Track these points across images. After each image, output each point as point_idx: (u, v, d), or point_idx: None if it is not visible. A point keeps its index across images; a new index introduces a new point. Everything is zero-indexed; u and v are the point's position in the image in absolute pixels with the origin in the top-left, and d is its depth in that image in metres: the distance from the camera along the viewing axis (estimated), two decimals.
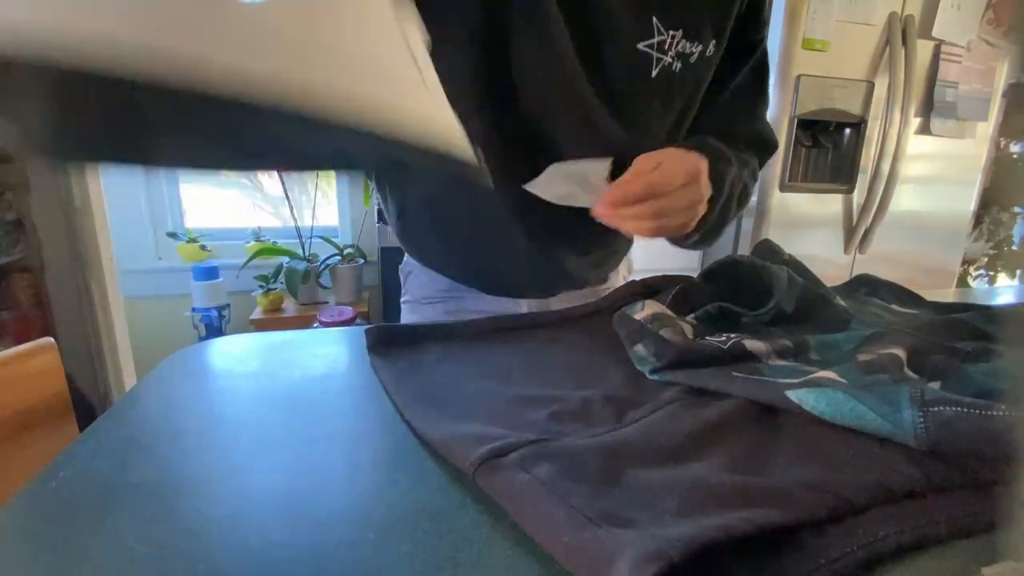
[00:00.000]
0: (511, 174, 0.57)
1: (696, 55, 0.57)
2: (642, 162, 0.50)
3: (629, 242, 0.76)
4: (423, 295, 0.72)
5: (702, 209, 0.52)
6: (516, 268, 0.67)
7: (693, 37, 0.56)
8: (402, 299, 0.75)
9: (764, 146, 0.68)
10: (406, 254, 0.74)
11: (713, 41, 0.57)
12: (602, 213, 0.50)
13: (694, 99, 0.60)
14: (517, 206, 0.58)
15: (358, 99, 0.24)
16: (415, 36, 0.29)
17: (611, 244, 0.71)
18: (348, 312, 1.94)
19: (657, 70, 0.55)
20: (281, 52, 0.22)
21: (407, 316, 0.74)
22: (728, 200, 0.58)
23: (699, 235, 0.58)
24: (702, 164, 0.51)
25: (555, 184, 0.52)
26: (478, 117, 0.54)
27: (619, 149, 0.57)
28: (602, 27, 0.52)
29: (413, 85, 0.28)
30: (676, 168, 0.49)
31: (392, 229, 0.71)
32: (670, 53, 0.55)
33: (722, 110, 0.63)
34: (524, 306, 0.69)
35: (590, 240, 0.66)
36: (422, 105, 0.28)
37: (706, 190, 0.52)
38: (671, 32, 0.54)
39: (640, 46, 0.54)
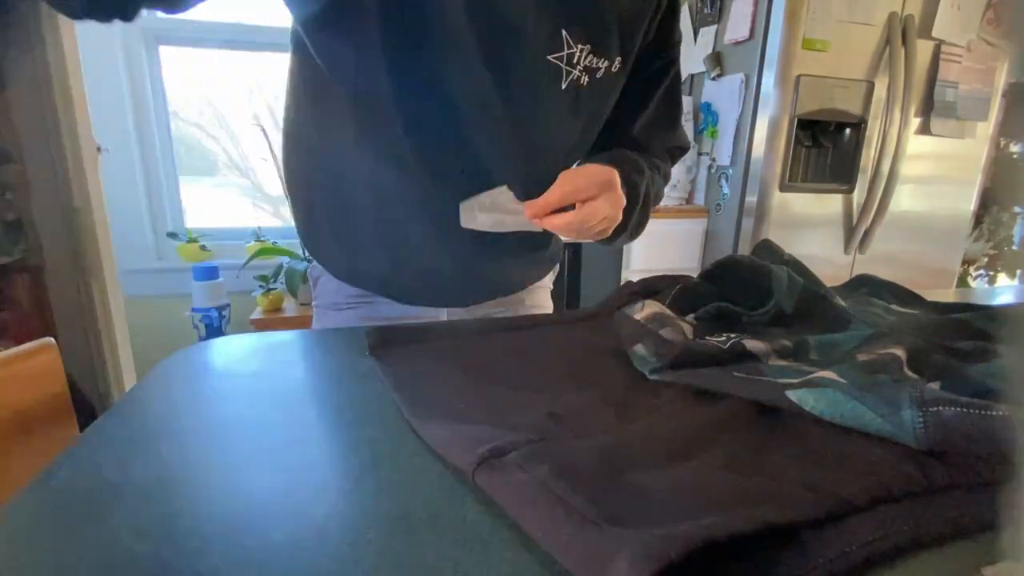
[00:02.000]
0: (436, 183, 0.58)
1: (602, 70, 0.59)
2: (563, 176, 0.53)
3: (557, 245, 0.77)
4: (333, 301, 0.70)
5: (619, 216, 0.56)
6: (430, 280, 0.66)
7: (601, 53, 0.57)
8: (313, 303, 0.74)
9: (679, 151, 0.73)
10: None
11: (619, 58, 0.59)
12: (531, 219, 0.53)
13: (600, 113, 0.63)
14: (438, 218, 0.60)
15: None
16: None
17: (537, 250, 0.72)
18: None
19: (566, 83, 0.57)
20: None
21: (318, 322, 0.72)
22: (644, 205, 0.62)
23: (620, 237, 0.62)
24: (615, 176, 0.54)
25: (478, 217, 0.54)
26: (400, 124, 0.56)
27: (528, 158, 0.59)
28: (511, 39, 0.53)
29: None
30: (591, 181, 0.53)
31: (299, 236, 0.71)
32: (578, 67, 0.57)
33: (642, 130, 0.67)
34: (444, 314, 0.69)
35: (512, 250, 0.68)
36: None
37: (621, 200, 0.55)
38: (580, 46, 0.56)
39: (550, 58, 0.55)
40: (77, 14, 0.47)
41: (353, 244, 0.66)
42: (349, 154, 0.60)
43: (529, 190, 0.60)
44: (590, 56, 0.57)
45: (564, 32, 0.55)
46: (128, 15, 0.50)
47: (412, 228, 0.63)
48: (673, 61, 0.66)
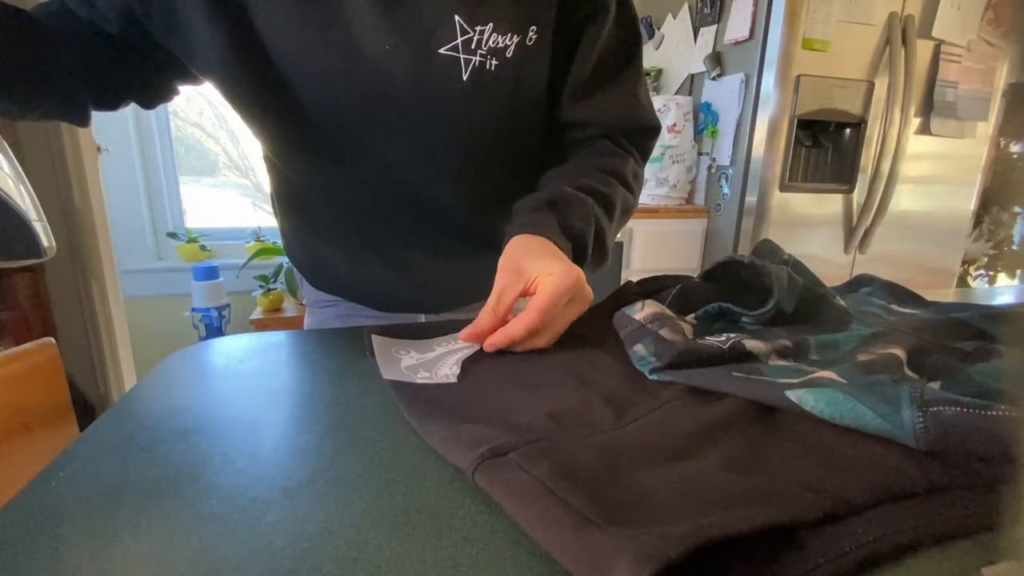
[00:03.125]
0: (384, 225, 0.59)
1: (512, 47, 0.51)
2: (505, 291, 0.45)
3: None
4: (315, 299, 0.73)
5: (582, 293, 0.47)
6: (403, 292, 0.67)
7: (505, 29, 0.50)
8: (302, 301, 0.78)
9: (643, 132, 0.62)
10: None
11: (533, 27, 0.51)
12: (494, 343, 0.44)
13: (527, 91, 0.54)
14: (391, 255, 0.62)
15: None
16: None
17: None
18: None
19: (468, 73, 0.50)
20: None
21: (309, 317, 0.75)
22: (599, 237, 0.54)
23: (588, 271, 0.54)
24: (572, 271, 0.45)
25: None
26: (321, 191, 0.58)
27: (457, 168, 0.56)
28: (399, 36, 0.48)
29: None
30: (555, 296, 0.43)
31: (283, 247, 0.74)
32: (480, 51, 0.50)
33: (583, 96, 0.57)
34: (422, 317, 0.70)
35: (472, 264, 0.63)
36: None
37: (587, 294, 0.47)
38: (478, 28, 0.49)
39: (442, 51, 0.49)
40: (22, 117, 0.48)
41: (316, 257, 0.68)
42: (300, 189, 0.63)
43: (475, 203, 0.58)
44: (493, 36, 0.50)
45: (456, 18, 0.48)
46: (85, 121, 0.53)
47: (366, 256, 0.64)
48: (604, 7, 0.54)
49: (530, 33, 0.51)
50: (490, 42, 0.50)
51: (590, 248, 0.53)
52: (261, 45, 0.48)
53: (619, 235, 0.72)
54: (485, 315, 0.45)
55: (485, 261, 0.56)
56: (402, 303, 0.68)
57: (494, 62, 0.51)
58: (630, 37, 0.58)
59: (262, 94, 0.50)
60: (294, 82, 0.49)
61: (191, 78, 0.56)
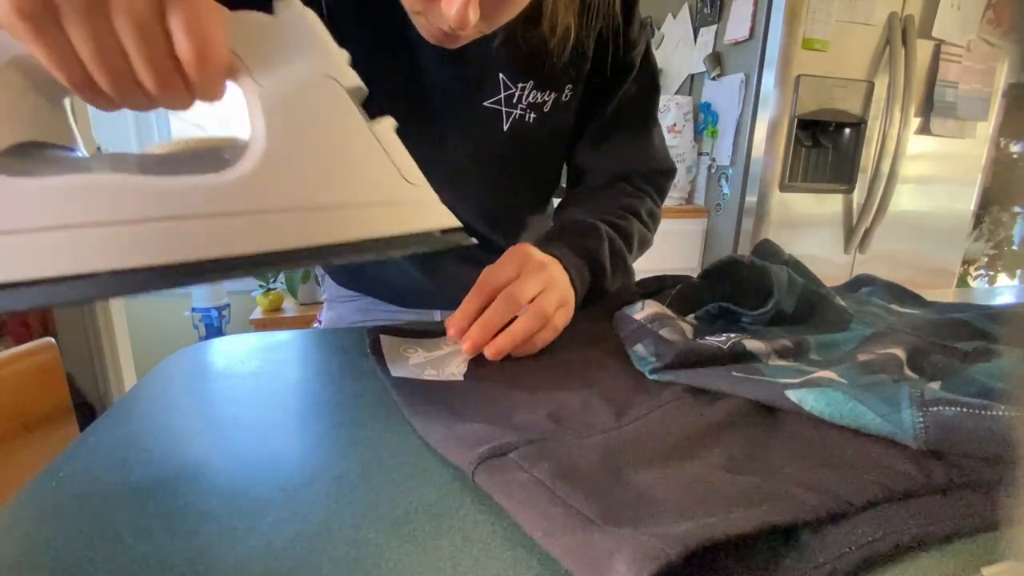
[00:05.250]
0: None
1: (550, 103, 0.57)
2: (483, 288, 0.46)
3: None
4: (337, 294, 0.75)
5: (570, 296, 0.48)
6: (425, 288, 0.68)
7: (544, 87, 0.55)
8: (322, 297, 0.78)
9: (661, 174, 0.67)
10: None
11: (569, 86, 0.57)
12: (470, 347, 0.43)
13: (556, 143, 0.61)
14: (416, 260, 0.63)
15: (356, 225, 0.31)
16: (388, 135, 0.32)
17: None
18: None
19: (508, 124, 0.56)
20: (286, 223, 0.29)
21: (326, 311, 0.77)
22: (615, 261, 0.56)
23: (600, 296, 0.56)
24: (526, 248, 0.48)
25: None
26: None
27: (478, 189, 0.59)
28: (439, 91, 0.53)
29: (396, 184, 0.33)
30: (498, 264, 0.46)
31: None
32: (520, 106, 0.55)
33: (605, 143, 0.62)
34: (438, 315, 0.70)
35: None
36: (408, 199, 0.34)
37: (555, 278, 0.47)
38: (520, 85, 0.54)
39: (486, 104, 0.54)
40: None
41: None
42: None
43: (491, 220, 0.61)
44: (533, 92, 0.55)
45: (501, 76, 0.54)
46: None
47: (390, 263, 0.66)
48: (631, 65, 0.60)
49: (566, 91, 0.57)
50: (530, 97, 0.55)
51: (607, 263, 0.55)
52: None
53: None
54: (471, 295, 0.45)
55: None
56: (422, 299, 0.70)
57: (532, 115, 0.56)
58: (650, 86, 0.63)
59: None
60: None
61: None
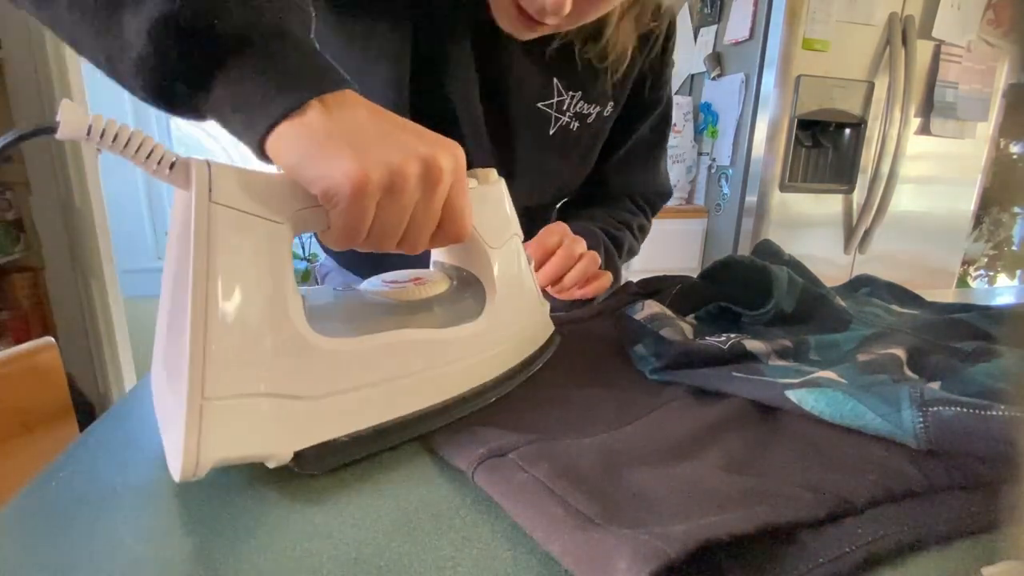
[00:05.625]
0: None
1: (593, 116, 0.61)
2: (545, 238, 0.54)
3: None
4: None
5: (598, 257, 0.57)
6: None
7: (592, 99, 0.60)
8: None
9: (659, 196, 0.75)
10: (323, 254, 0.76)
11: (611, 103, 0.61)
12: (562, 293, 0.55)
13: (590, 153, 0.65)
14: None
15: (533, 343, 0.41)
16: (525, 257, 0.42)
17: None
18: None
19: (555, 128, 0.59)
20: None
21: None
22: (607, 265, 0.63)
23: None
24: (563, 226, 0.57)
25: None
26: None
27: (515, 196, 0.62)
28: (506, 83, 0.55)
29: (541, 308, 0.44)
30: (546, 232, 0.55)
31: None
32: (568, 113, 0.59)
33: (620, 164, 0.68)
34: None
35: None
36: (545, 315, 0.44)
37: (582, 242, 0.56)
38: (571, 93, 0.58)
39: (540, 105, 0.58)
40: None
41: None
42: None
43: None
44: (581, 103, 0.59)
45: (555, 80, 0.57)
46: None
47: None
48: (659, 100, 0.67)
49: (608, 106, 0.61)
50: (577, 107, 0.59)
51: (601, 265, 0.59)
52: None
53: None
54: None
55: None
56: None
57: (576, 124, 0.60)
58: (667, 120, 0.70)
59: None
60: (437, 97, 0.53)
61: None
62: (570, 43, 0.55)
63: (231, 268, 0.25)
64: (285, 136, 0.27)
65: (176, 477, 0.24)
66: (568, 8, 0.42)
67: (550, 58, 0.56)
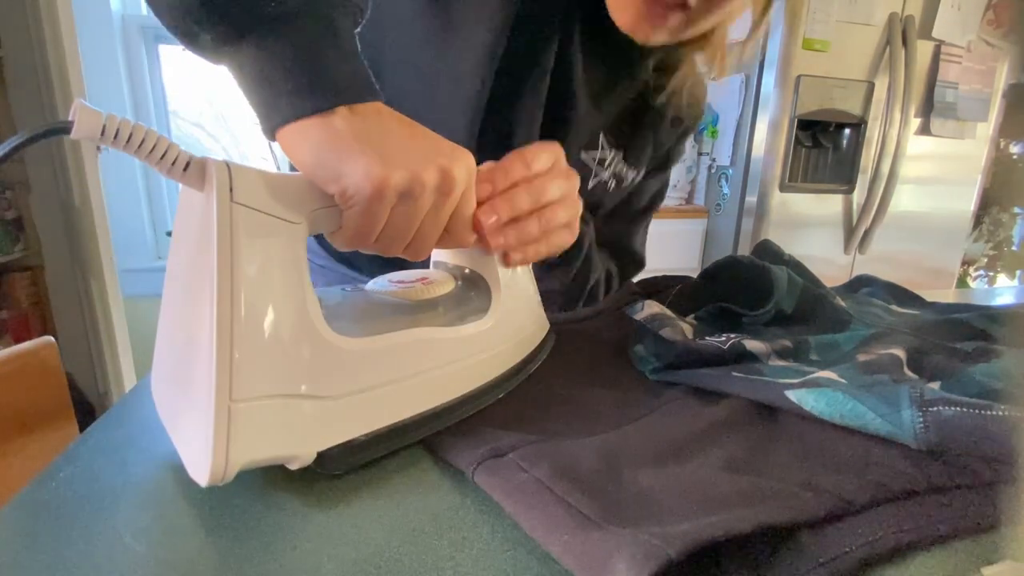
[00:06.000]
0: None
1: (628, 180, 0.59)
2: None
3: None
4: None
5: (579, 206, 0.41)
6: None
7: (633, 163, 0.57)
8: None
9: (633, 263, 0.72)
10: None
11: (643, 170, 0.60)
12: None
13: (613, 214, 0.64)
14: None
15: (532, 343, 0.42)
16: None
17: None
18: None
19: (593, 183, 0.56)
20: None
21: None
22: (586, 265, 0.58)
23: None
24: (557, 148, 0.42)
25: None
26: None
27: None
28: (561, 127, 0.52)
29: (535, 303, 0.44)
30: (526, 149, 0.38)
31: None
32: (608, 171, 0.56)
33: (615, 219, 0.66)
34: None
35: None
36: (543, 318, 0.45)
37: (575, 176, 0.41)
38: (613, 151, 0.56)
39: (583, 155, 0.55)
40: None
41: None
42: None
43: None
44: (621, 163, 0.57)
45: (602, 135, 0.55)
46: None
47: None
48: (664, 167, 0.66)
49: (641, 172, 0.60)
50: (616, 166, 0.57)
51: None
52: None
53: None
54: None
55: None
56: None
57: (613, 183, 0.58)
58: (663, 189, 0.70)
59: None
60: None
61: None
62: (622, 104, 0.54)
63: (253, 269, 0.25)
64: (306, 132, 0.27)
65: (203, 482, 0.24)
66: None
67: (607, 110, 0.53)
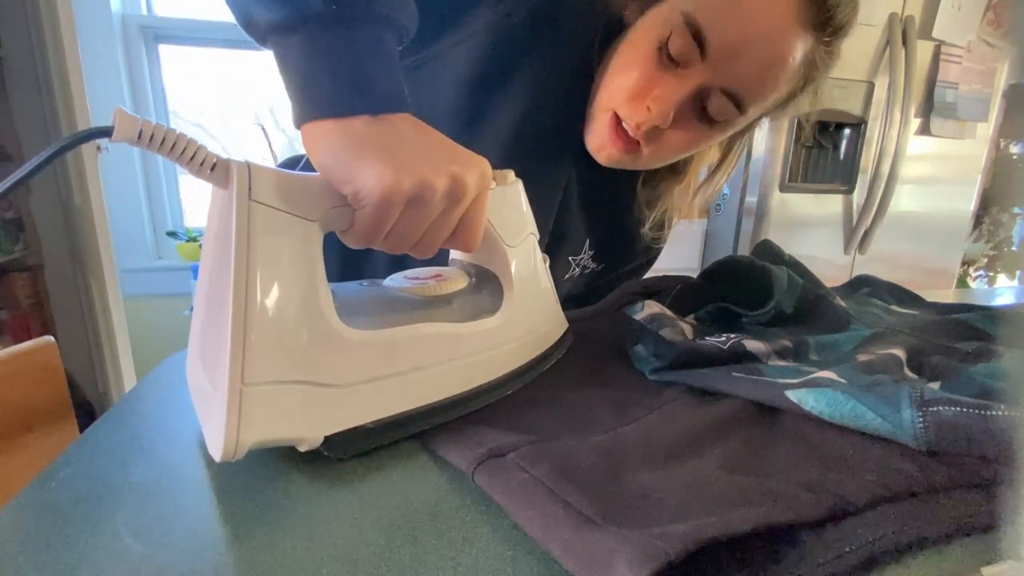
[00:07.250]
0: None
1: (591, 271, 0.64)
2: None
3: None
4: None
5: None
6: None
7: (600, 259, 0.63)
8: None
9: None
10: None
11: (604, 265, 0.65)
12: None
13: (572, 296, 0.67)
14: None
15: (548, 339, 0.43)
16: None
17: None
18: None
19: (568, 275, 0.63)
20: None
21: None
22: None
23: None
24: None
25: None
26: None
27: None
28: (562, 230, 0.57)
29: (557, 307, 0.45)
30: None
31: None
32: (579, 264, 0.63)
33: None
34: None
35: None
36: (560, 313, 0.46)
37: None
38: (589, 250, 0.62)
39: (570, 258, 0.61)
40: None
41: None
42: None
43: None
44: (593, 258, 0.63)
45: (588, 239, 0.61)
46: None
47: None
48: (649, 263, 0.73)
49: (602, 266, 0.65)
50: (588, 260, 0.63)
51: None
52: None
53: None
54: None
55: None
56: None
57: (577, 272, 0.63)
58: (650, 264, 0.76)
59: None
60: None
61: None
62: (617, 207, 0.59)
63: (269, 263, 0.26)
64: (328, 132, 0.28)
65: (217, 458, 0.26)
66: (669, 120, 0.44)
67: (593, 221, 0.59)
